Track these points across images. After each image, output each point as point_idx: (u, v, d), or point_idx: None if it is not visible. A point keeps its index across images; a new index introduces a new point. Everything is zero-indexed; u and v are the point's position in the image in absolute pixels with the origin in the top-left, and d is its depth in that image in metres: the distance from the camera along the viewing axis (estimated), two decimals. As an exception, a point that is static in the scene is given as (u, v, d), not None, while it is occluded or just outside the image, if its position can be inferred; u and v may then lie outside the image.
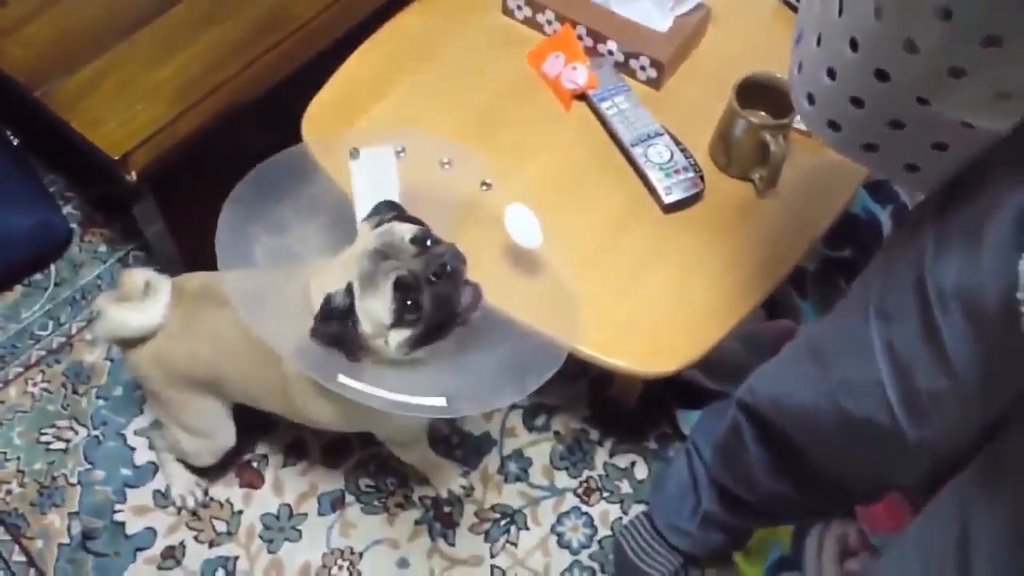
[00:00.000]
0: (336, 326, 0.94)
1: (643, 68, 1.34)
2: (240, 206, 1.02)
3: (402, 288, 0.94)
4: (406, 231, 0.99)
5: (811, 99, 0.72)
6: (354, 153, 1.12)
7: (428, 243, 0.97)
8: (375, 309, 0.94)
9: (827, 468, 0.95)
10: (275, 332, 0.98)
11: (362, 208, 1.07)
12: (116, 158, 1.17)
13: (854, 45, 0.63)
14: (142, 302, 1.18)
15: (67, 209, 1.73)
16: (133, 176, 1.18)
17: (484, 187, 1.14)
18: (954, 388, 0.69)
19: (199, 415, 1.27)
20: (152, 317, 1.18)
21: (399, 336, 0.96)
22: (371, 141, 1.13)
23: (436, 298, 0.95)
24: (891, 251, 0.80)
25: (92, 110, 1.21)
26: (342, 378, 0.93)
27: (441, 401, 0.95)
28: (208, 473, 1.42)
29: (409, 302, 0.94)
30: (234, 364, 1.17)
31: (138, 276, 1.19)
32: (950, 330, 0.68)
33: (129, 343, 1.21)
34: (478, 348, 1.03)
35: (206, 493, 1.42)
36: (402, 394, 0.95)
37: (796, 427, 0.96)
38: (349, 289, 0.94)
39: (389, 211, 1.03)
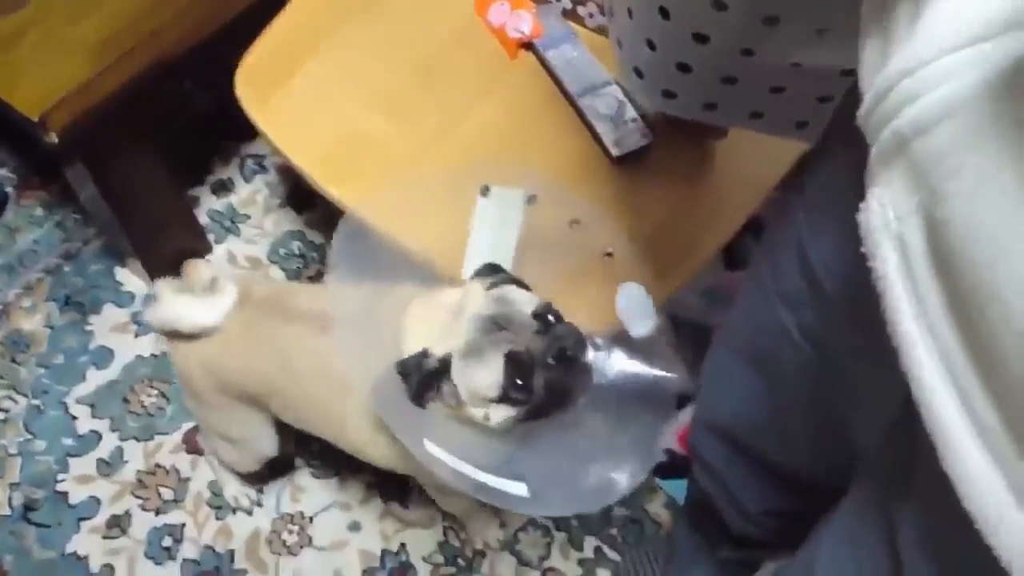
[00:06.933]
0: (416, 384, 0.85)
1: (591, 15, 1.30)
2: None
3: (514, 364, 0.84)
4: (527, 302, 0.88)
5: (639, 73, 0.71)
6: (484, 190, 1.01)
7: (550, 319, 0.87)
8: (479, 380, 0.85)
9: (794, 464, 0.90)
10: (361, 364, 0.88)
11: (475, 251, 0.98)
12: (35, 119, 1.12)
13: (665, 13, 0.61)
14: (203, 298, 1.08)
15: (2, 172, 1.67)
16: (53, 137, 1.13)
17: (607, 256, 1.04)
18: (863, 360, 0.65)
19: (239, 424, 1.21)
20: (211, 316, 1.08)
21: (501, 413, 0.86)
22: (505, 178, 1.02)
23: (549, 383, 0.85)
24: (771, 233, 0.75)
25: (8, 68, 1.15)
26: (428, 445, 0.84)
27: (522, 488, 0.85)
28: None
29: (520, 381, 0.84)
30: (292, 384, 1.08)
31: (205, 270, 1.10)
32: (838, 305, 0.63)
33: (178, 336, 1.11)
34: (575, 427, 0.93)
35: (260, 492, 1.38)
36: (477, 465, 0.86)
37: (751, 434, 0.91)
38: (446, 357, 0.86)
39: (497, 274, 0.92)
